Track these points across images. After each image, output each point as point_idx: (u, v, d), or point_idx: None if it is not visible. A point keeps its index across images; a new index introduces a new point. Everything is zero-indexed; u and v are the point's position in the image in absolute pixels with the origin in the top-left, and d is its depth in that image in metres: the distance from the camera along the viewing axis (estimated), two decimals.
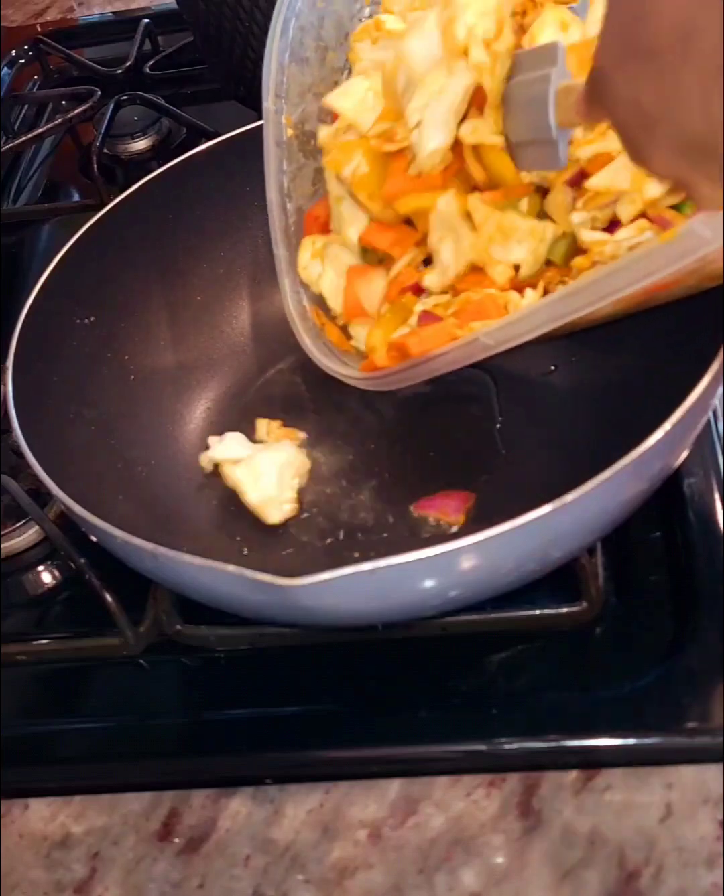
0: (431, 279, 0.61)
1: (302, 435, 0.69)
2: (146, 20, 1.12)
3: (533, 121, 0.50)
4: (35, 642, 0.63)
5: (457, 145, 0.57)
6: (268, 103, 0.64)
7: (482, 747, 0.54)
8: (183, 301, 0.73)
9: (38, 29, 1.23)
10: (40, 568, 0.68)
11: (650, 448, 0.47)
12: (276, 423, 0.69)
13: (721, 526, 0.59)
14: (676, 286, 0.48)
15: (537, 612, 0.58)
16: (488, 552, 0.48)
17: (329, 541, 0.63)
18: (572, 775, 0.53)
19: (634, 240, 0.54)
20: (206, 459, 0.67)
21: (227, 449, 0.66)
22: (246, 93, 0.93)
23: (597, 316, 0.49)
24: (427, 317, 0.60)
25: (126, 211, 0.69)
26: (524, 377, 0.63)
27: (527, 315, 0.51)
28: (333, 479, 0.67)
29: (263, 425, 0.69)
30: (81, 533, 0.56)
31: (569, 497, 0.46)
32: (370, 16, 0.64)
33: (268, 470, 0.64)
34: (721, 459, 0.62)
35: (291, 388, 0.72)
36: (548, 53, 0.48)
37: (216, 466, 0.67)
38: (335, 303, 0.66)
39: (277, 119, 0.64)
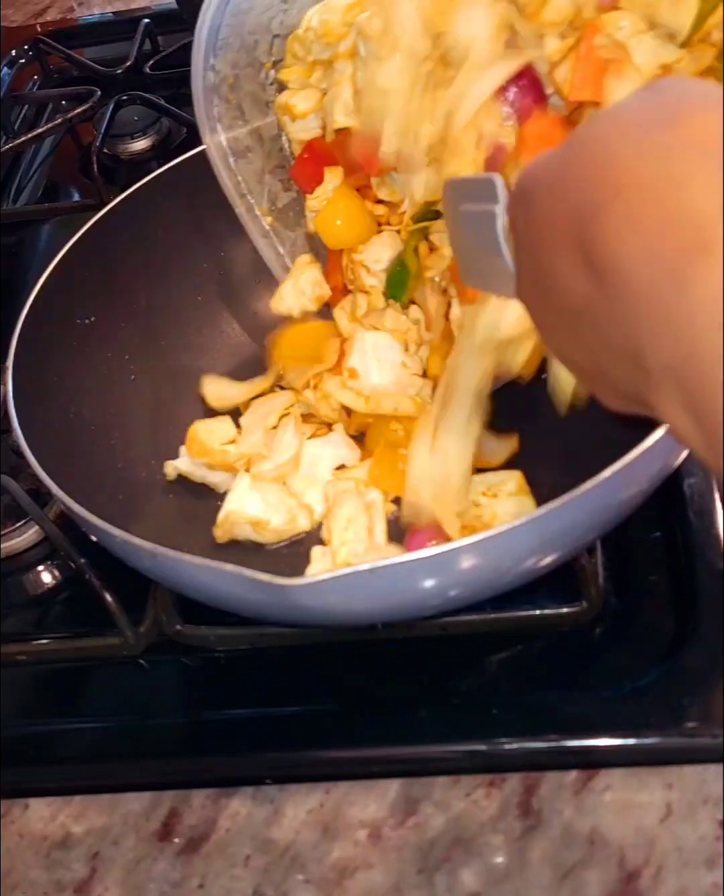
0: None
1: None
2: (146, 20, 1.12)
3: (485, 256, 0.42)
4: (35, 642, 0.63)
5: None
6: (240, 209, 0.67)
7: (482, 747, 0.54)
8: (183, 301, 0.73)
9: (38, 29, 1.22)
10: (40, 568, 0.68)
11: (650, 448, 0.47)
12: None
13: (721, 526, 0.59)
14: None
15: (537, 612, 0.57)
16: (488, 552, 0.48)
17: None
18: (572, 775, 0.53)
19: None
20: (170, 468, 0.67)
21: (185, 462, 0.66)
22: None
23: None
24: None
25: (126, 211, 0.69)
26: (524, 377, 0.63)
27: None
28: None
29: None
30: (81, 533, 0.56)
31: (568, 497, 0.46)
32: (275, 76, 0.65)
33: (250, 501, 0.62)
34: None
35: None
36: (486, 187, 0.40)
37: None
38: None
39: (252, 216, 0.67)
